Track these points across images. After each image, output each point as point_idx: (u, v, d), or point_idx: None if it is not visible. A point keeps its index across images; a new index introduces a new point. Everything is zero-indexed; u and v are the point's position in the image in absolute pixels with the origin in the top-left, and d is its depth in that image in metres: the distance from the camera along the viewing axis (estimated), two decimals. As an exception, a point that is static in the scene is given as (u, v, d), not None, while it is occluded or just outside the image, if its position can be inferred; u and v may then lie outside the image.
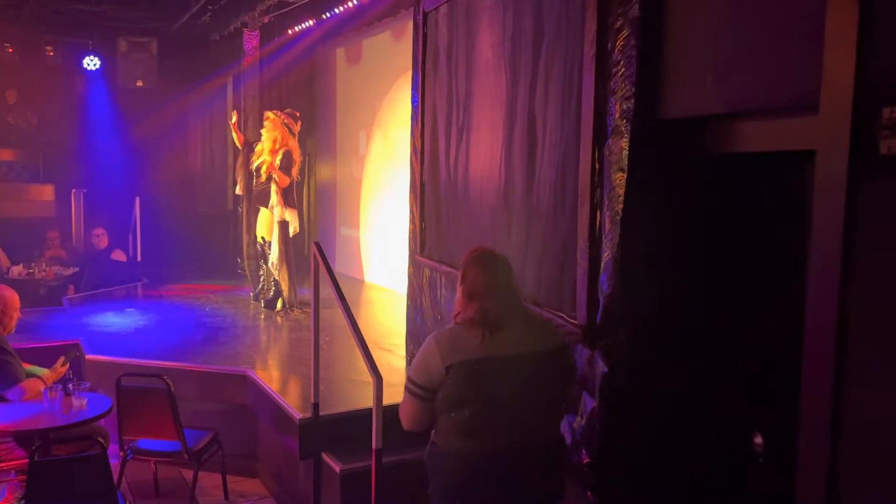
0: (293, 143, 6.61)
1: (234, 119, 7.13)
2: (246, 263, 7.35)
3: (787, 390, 2.32)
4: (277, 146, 6.52)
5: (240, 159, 7.06)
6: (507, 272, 2.47)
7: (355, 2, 7.33)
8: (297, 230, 6.74)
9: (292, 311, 6.57)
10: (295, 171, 6.63)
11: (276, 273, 6.66)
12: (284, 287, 6.62)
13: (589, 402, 2.82)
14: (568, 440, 2.95)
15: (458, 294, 2.47)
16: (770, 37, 2.12)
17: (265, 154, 6.59)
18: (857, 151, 1.75)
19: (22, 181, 10.69)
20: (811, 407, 1.89)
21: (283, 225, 6.58)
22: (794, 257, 2.28)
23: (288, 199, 6.56)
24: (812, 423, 1.89)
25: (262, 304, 6.78)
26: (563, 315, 3.00)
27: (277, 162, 6.49)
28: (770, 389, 2.50)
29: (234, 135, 7.09)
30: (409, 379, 2.46)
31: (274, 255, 6.65)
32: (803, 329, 1.92)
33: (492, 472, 2.37)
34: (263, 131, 6.64)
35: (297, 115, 6.79)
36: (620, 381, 2.66)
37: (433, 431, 2.47)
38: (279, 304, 6.64)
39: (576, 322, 2.89)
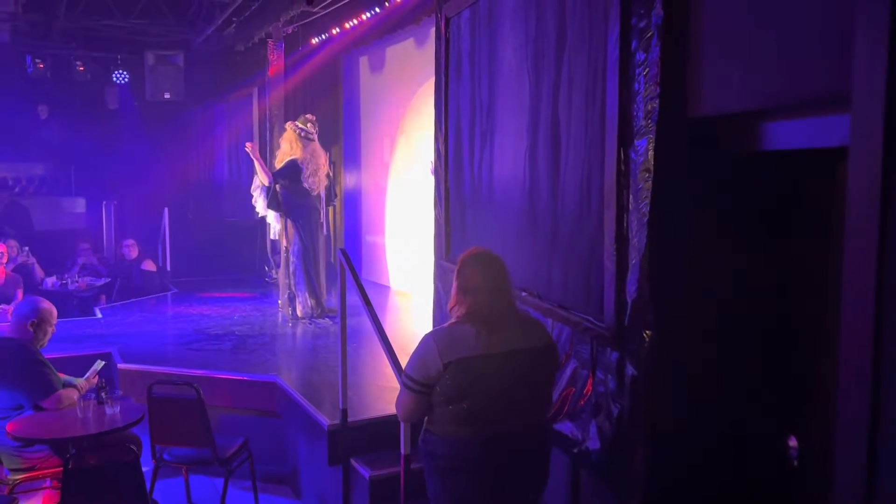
0: (301, 148, 6.58)
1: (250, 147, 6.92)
2: (276, 271, 7.43)
3: (823, 391, 2.28)
4: (284, 157, 6.58)
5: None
6: (501, 272, 2.63)
7: (377, 10, 7.37)
8: (277, 237, 6.74)
9: (313, 319, 6.59)
10: (313, 179, 6.61)
11: (290, 280, 6.73)
12: (299, 294, 6.66)
13: (616, 406, 2.79)
14: (596, 444, 2.92)
15: (453, 290, 2.62)
16: (797, 30, 2.09)
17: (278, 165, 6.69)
18: (892, 148, 1.71)
19: (54, 194, 10.92)
20: (847, 408, 1.84)
21: (297, 232, 6.61)
22: (827, 255, 2.23)
23: (270, 200, 6.58)
24: (849, 425, 1.84)
25: (290, 312, 6.82)
26: (590, 318, 2.98)
27: (277, 167, 6.57)
28: (804, 391, 2.45)
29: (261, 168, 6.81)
30: (406, 375, 2.61)
31: (289, 261, 6.74)
32: (838, 329, 1.88)
33: (483, 456, 2.55)
34: (281, 142, 6.74)
35: (311, 118, 6.78)
36: (649, 384, 2.63)
37: (427, 420, 2.64)
38: (299, 311, 6.68)
39: (603, 325, 2.86)
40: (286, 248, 6.78)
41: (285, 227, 6.71)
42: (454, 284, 2.63)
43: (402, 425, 3.08)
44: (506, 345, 2.54)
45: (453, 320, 2.60)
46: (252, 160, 6.74)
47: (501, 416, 2.55)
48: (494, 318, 2.55)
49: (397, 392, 3.08)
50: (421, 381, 2.55)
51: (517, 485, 2.64)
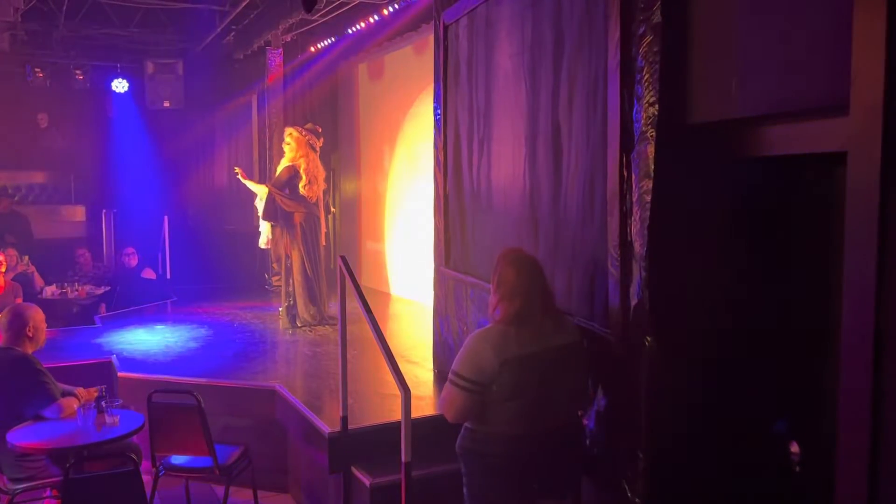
0: (310, 159, 6.61)
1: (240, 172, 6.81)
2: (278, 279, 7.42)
3: (825, 396, 2.27)
4: (288, 161, 6.57)
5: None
6: (540, 270, 2.74)
7: (376, 18, 7.39)
8: (266, 246, 6.73)
9: (314, 327, 6.58)
10: (314, 187, 6.63)
11: (290, 287, 6.73)
12: (299, 302, 6.67)
13: (618, 411, 2.79)
14: (597, 450, 2.92)
15: (497, 293, 2.68)
16: (796, 38, 2.10)
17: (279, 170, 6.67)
18: (890, 152, 1.72)
19: (54, 203, 10.92)
20: (849, 413, 1.84)
21: (297, 240, 6.61)
22: (827, 260, 2.24)
23: (267, 210, 6.55)
24: (850, 430, 1.84)
25: (290, 320, 6.82)
26: (594, 324, 2.98)
27: (276, 174, 6.54)
28: (806, 396, 2.45)
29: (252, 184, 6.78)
30: (457, 375, 2.63)
31: (290, 269, 6.75)
32: (839, 335, 1.88)
33: (534, 451, 2.63)
34: (287, 148, 6.69)
35: (320, 130, 6.82)
36: (650, 389, 2.63)
37: (475, 419, 2.68)
38: (299, 319, 6.68)
39: (608, 331, 2.86)
40: (286, 255, 6.78)
41: (291, 236, 6.68)
42: (497, 289, 2.69)
43: (402, 432, 3.07)
44: (550, 340, 2.65)
45: (498, 320, 2.66)
46: (246, 178, 6.72)
47: (550, 410, 2.66)
48: (535, 316, 2.64)
49: (398, 399, 3.08)
50: (475, 379, 2.58)
51: (562, 476, 2.74)
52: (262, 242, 6.77)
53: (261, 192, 6.62)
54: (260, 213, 6.68)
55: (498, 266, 2.73)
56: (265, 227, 6.69)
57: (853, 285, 1.83)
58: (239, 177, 6.70)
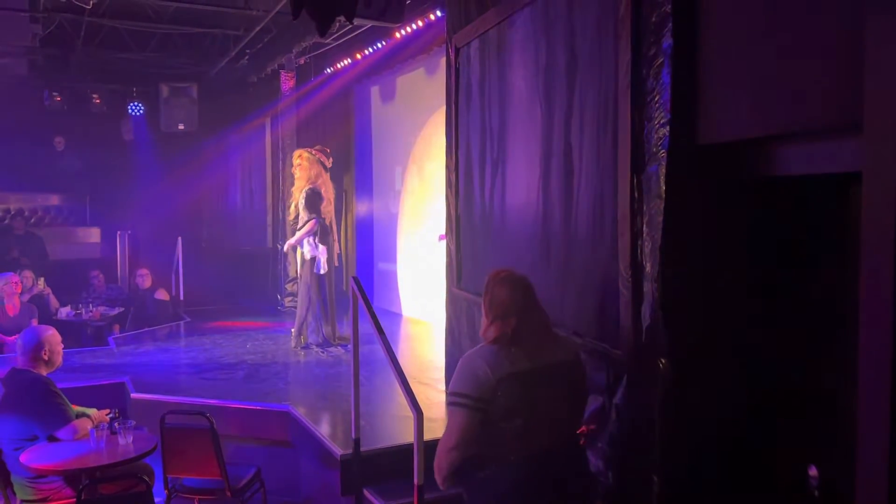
0: (325, 178, 6.69)
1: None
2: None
3: (842, 420, 2.24)
4: (304, 184, 6.61)
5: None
6: (532, 288, 2.67)
7: (388, 41, 7.47)
8: (326, 269, 6.64)
9: (326, 348, 6.58)
10: (328, 207, 6.68)
11: (299, 308, 6.73)
12: (311, 323, 6.67)
13: (632, 434, 2.76)
14: (611, 473, 2.88)
15: (490, 314, 2.60)
16: (808, 56, 2.10)
17: (298, 193, 6.70)
18: (905, 172, 1.71)
19: (69, 225, 11.04)
20: (868, 437, 1.82)
21: (311, 261, 6.62)
22: (843, 282, 2.22)
23: (321, 236, 6.55)
24: (869, 454, 1.81)
25: (303, 340, 6.82)
26: (606, 345, 2.96)
27: (302, 202, 6.58)
28: (824, 419, 2.41)
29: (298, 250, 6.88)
30: (456, 395, 2.52)
31: (300, 291, 6.75)
32: (856, 358, 1.86)
33: (538, 473, 2.53)
34: (298, 171, 6.73)
35: (328, 151, 6.88)
36: (664, 412, 2.60)
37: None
38: (312, 339, 6.67)
39: (620, 352, 2.84)
40: (301, 276, 6.79)
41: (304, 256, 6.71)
42: (490, 309, 2.62)
43: (415, 455, 3.05)
44: (546, 358, 2.57)
45: (491, 340, 2.58)
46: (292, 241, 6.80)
47: (549, 430, 2.57)
48: (529, 335, 2.57)
49: (411, 421, 3.06)
50: (476, 395, 2.48)
51: (565, 499, 2.65)
52: (324, 268, 6.68)
53: (309, 229, 6.59)
54: (311, 243, 6.59)
55: (488, 287, 2.66)
56: (322, 250, 6.61)
57: (870, 306, 1.81)
58: (287, 246, 6.85)
